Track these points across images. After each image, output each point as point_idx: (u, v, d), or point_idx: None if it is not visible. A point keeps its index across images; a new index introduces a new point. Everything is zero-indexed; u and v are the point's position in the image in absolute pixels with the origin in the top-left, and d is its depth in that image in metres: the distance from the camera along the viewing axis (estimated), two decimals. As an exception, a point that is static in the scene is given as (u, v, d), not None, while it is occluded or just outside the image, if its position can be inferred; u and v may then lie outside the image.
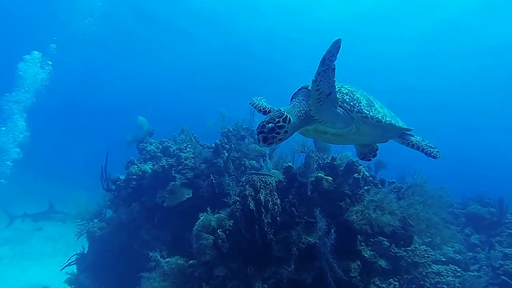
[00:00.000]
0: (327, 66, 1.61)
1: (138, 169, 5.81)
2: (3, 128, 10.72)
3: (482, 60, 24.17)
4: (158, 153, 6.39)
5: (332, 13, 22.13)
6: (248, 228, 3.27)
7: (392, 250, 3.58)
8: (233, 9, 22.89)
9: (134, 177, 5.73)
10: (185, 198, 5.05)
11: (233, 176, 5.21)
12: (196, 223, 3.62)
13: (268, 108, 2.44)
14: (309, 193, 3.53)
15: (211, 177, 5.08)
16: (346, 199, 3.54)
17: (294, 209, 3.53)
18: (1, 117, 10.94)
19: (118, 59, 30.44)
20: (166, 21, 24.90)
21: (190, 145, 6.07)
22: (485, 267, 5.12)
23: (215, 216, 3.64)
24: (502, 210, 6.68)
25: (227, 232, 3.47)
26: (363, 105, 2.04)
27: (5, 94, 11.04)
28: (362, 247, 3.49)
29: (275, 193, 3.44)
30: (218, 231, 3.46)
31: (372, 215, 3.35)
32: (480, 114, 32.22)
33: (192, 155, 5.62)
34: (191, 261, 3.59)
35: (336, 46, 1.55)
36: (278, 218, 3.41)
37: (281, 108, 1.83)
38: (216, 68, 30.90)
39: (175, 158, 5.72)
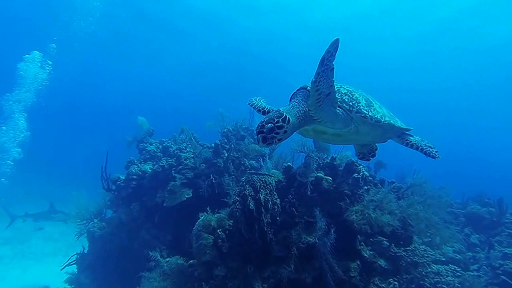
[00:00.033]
0: (326, 66, 1.61)
1: (138, 169, 5.82)
2: (4, 128, 10.74)
3: (480, 59, 24.21)
4: (158, 153, 6.40)
5: (331, 13, 22.13)
6: (248, 228, 3.27)
7: (392, 250, 3.58)
8: (232, 9, 22.91)
9: (134, 177, 5.74)
10: (185, 198, 5.05)
11: (233, 176, 5.22)
12: (196, 223, 3.63)
13: (267, 108, 2.44)
14: (308, 193, 3.54)
15: (211, 177, 5.09)
16: (346, 199, 3.55)
17: (293, 209, 3.54)
18: (1, 117, 10.96)
19: (118, 59, 30.46)
20: (165, 22, 24.93)
21: (190, 145, 6.08)
22: (484, 267, 5.13)
23: (215, 216, 3.65)
24: (501, 210, 6.69)
25: (227, 232, 3.48)
26: (362, 105, 2.04)
27: (5, 93, 11.05)
28: (362, 246, 3.49)
29: (274, 193, 3.45)
30: (218, 231, 3.47)
31: (372, 215, 3.36)
32: (479, 113, 32.26)
33: (192, 155, 5.63)
34: (191, 261, 3.60)
35: (334, 46, 1.55)
36: (278, 218, 3.42)
37: (280, 108, 1.83)
38: (216, 68, 30.94)
39: (175, 158, 5.73)
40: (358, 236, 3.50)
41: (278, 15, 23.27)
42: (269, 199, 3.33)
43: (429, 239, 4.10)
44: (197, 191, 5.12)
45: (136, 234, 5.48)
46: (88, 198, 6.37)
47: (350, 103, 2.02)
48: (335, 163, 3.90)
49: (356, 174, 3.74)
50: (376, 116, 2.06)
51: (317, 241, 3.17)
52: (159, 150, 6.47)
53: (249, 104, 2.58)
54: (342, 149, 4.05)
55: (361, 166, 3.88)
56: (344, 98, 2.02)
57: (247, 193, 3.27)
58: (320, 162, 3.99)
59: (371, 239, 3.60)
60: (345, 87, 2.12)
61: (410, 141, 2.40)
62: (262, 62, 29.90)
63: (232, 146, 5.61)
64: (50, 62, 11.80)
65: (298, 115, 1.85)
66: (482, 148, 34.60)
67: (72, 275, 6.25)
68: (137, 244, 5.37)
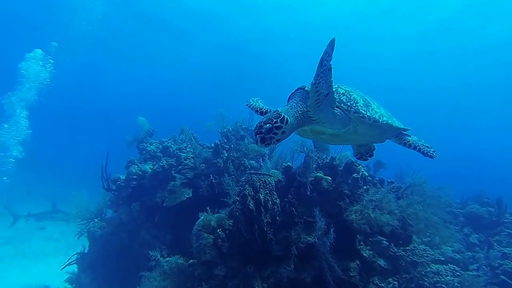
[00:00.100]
0: (324, 67, 1.62)
1: (138, 169, 5.84)
2: (6, 126, 10.76)
3: (480, 59, 24.22)
4: (158, 153, 6.41)
5: (330, 12, 22.11)
6: (247, 227, 3.28)
7: (391, 250, 3.60)
8: (231, 9, 22.90)
9: (135, 177, 5.75)
10: (185, 198, 5.07)
11: (233, 176, 5.23)
12: (196, 223, 3.64)
13: (265, 109, 2.45)
14: (308, 193, 3.55)
15: (211, 177, 5.10)
16: (345, 198, 3.55)
17: (293, 208, 3.55)
18: (3, 116, 10.99)
19: (118, 59, 30.48)
20: (165, 22, 24.95)
21: (190, 145, 6.09)
22: (484, 266, 5.13)
23: (215, 215, 3.66)
24: (501, 209, 6.69)
25: (227, 231, 3.49)
26: (360, 105, 2.05)
27: (7, 92, 11.09)
28: (361, 246, 3.50)
29: (274, 193, 3.46)
30: (218, 230, 3.48)
31: (371, 214, 3.36)
32: (478, 113, 32.25)
33: (192, 155, 5.64)
34: (191, 261, 3.61)
35: (331, 46, 1.56)
36: (277, 218, 3.43)
37: (278, 109, 1.84)
38: (215, 68, 30.96)
39: (175, 158, 5.74)
40: (358, 236, 3.50)
41: (277, 15, 23.26)
42: (269, 199, 3.34)
43: (429, 238, 4.11)
44: (197, 191, 5.13)
45: (136, 233, 5.50)
46: (88, 198, 6.39)
47: (348, 103, 2.03)
48: (334, 163, 3.90)
49: (356, 174, 3.74)
50: (374, 116, 2.07)
51: (316, 240, 3.18)
52: (159, 150, 6.48)
53: (247, 105, 2.59)
54: (341, 149, 4.06)
55: (360, 166, 3.89)
56: (342, 98, 2.03)
57: (247, 193, 3.28)
58: (319, 162, 4.00)
59: (370, 239, 3.61)
60: (343, 87, 2.13)
61: (408, 141, 2.42)
62: (262, 62, 29.91)
63: (232, 146, 5.62)
64: (51, 61, 11.83)
65: (296, 115, 1.86)
66: (481, 148, 34.60)
67: (73, 275, 6.27)
68: (137, 244, 5.39)
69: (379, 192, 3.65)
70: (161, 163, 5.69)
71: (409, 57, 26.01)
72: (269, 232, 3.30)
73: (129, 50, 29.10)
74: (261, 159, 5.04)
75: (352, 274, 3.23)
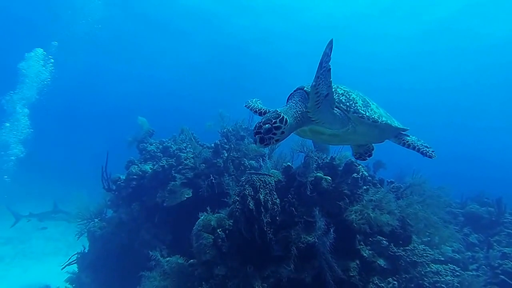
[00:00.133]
0: (324, 68, 1.63)
1: (139, 169, 5.84)
2: (7, 124, 10.78)
3: (479, 59, 24.22)
4: (158, 153, 6.42)
5: (329, 12, 22.11)
6: (247, 227, 3.29)
7: (391, 250, 3.60)
8: (231, 9, 22.91)
9: (135, 177, 5.76)
10: (185, 198, 5.07)
11: (233, 176, 5.23)
12: (196, 223, 3.65)
13: (263, 110, 2.45)
14: (308, 192, 3.55)
15: (211, 177, 5.11)
16: (345, 198, 3.55)
17: (293, 208, 3.56)
18: (4, 114, 11.02)
19: (118, 59, 30.50)
20: (165, 22, 24.97)
21: (190, 145, 6.10)
22: (483, 266, 5.13)
23: (215, 215, 3.66)
24: (500, 209, 6.70)
25: (227, 231, 3.50)
26: (359, 106, 2.06)
27: (8, 91, 11.11)
28: (361, 246, 3.51)
29: (274, 193, 3.47)
30: (218, 230, 3.49)
31: (371, 214, 3.37)
32: (478, 113, 32.24)
33: (192, 155, 5.64)
34: (191, 260, 3.62)
35: (329, 47, 1.57)
36: (277, 218, 3.43)
37: (277, 109, 1.84)
38: (215, 68, 30.98)
39: (175, 158, 5.74)
40: (358, 236, 3.51)
41: (277, 15, 23.28)
42: (269, 199, 3.35)
43: (428, 238, 4.11)
44: (197, 191, 5.14)
45: (136, 233, 5.51)
46: (88, 198, 6.40)
47: (347, 104, 2.03)
48: (334, 163, 3.91)
49: (356, 174, 3.75)
50: (373, 116, 2.08)
51: (316, 240, 3.18)
52: (159, 150, 6.49)
53: (246, 106, 2.60)
54: (341, 149, 4.06)
55: (360, 166, 3.89)
56: (341, 98, 2.04)
57: (247, 193, 3.29)
58: (319, 162, 4.00)
59: (370, 239, 3.61)
60: (342, 87, 2.14)
61: (407, 141, 2.43)
62: (261, 62, 29.93)
63: (232, 146, 5.62)
64: (52, 60, 11.85)
65: (295, 115, 1.86)
66: (481, 148, 34.59)
67: (73, 275, 6.29)
68: (137, 244, 5.39)
69: (379, 192, 3.65)
70: (161, 163, 5.70)
71: (409, 57, 26.00)
72: (269, 232, 3.30)
73: (129, 50, 29.13)
74: (261, 159, 5.04)
75: (352, 274, 3.23)
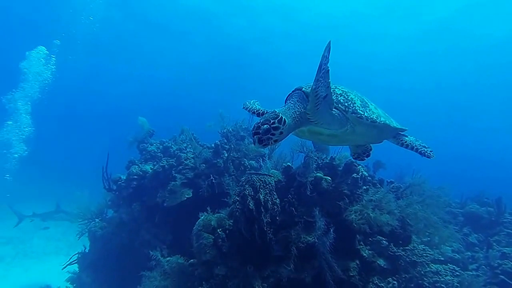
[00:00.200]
0: (323, 71, 1.64)
1: (139, 169, 5.86)
2: (9, 123, 10.80)
3: (479, 59, 24.18)
4: (159, 154, 6.43)
5: (328, 12, 22.03)
6: (247, 227, 3.30)
7: (391, 250, 3.61)
8: (230, 9, 22.88)
9: (135, 177, 5.77)
10: (185, 198, 5.09)
11: (233, 176, 5.25)
12: (196, 223, 3.66)
13: (261, 111, 2.46)
14: (308, 192, 3.56)
15: (211, 177, 5.12)
16: (345, 198, 3.56)
17: (293, 208, 3.57)
18: (6, 113, 11.04)
19: (119, 60, 30.51)
20: (165, 23, 24.95)
21: (190, 146, 6.11)
22: (483, 266, 5.14)
23: (215, 215, 3.67)
24: (500, 209, 6.70)
25: (227, 231, 3.51)
26: (357, 106, 2.06)
27: (10, 90, 11.13)
28: (361, 246, 3.52)
29: (274, 193, 3.48)
30: (218, 230, 3.50)
31: (371, 214, 3.38)
32: (478, 113, 32.21)
33: (192, 155, 5.66)
34: (192, 260, 3.63)
35: (328, 50, 1.58)
36: (277, 218, 3.45)
37: (276, 110, 1.84)
38: (215, 68, 30.98)
39: (175, 158, 5.76)
40: (357, 236, 3.52)
41: (276, 15, 23.23)
42: (269, 199, 3.36)
43: (428, 238, 4.12)
44: (197, 191, 5.16)
45: (136, 233, 5.52)
46: (89, 198, 6.42)
47: (346, 104, 2.04)
48: (334, 163, 3.92)
49: (355, 174, 3.76)
50: (371, 117, 2.09)
51: (316, 240, 3.19)
52: (159, 151, 6.50)
53: (244, 108, 2.60)
54: (341, 149, 4.07)
55: (360, 166, 3.90)
56: (339, 99, 2.04)
57: (247, 193, 3.30)
58: (319, 162, 4.01)
59: (370, 239, 3.62)
60: (340, 87, 2.14)
61: (405, 141, 2.44)
62: (261, 62, 29.92)
63: (232, 146, 5.64)
64: (54, 59, 11.87)
65: (294, 116, 1.86)
66: (480, 148, 34.62)
67: (74, 274, 6.30)
68: (137, 244, 5.41)
69: (379, 192, 3.66)
70: (162, 163, 5.71)
71: (409, 57, 25.97)
72: (269, 232, 3.32)
73: (129, 51, 29.13)
74: (261, 159, 5.06)
75: (351, 274, 3.24)
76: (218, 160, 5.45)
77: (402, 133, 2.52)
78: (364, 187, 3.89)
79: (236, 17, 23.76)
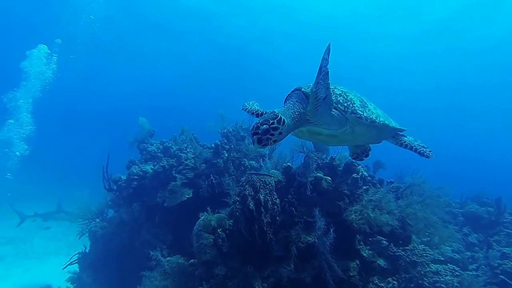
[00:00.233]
0: (323, 73, 1.64)
1: (139, 169, 5.86)
2: (11, 121, 10.80)
3: (479, 59, 24.15)
4: (159, 154, 6.43)
5: (328, 12, 22.02)
6: (247, 227, 3.31)
7: (391, 250, 3.61)
8: (230, 9, 22.89)
9: (135, 177, 5.78)
10: (186, 198, 5.10)
11: (233, 176, 5.25)
12: (197, 223, 3.67)
13: (260, 111, 2.46)
14: (308, 193, 3.56)
15: (211, 177, 5.13)
16: (345, 198, 3.57)
17: (293, 208, 3.57)
18: (7, 112, 11.04)
19: (119, 60, 30.54)
20: (165, 23, 24.98)
21: (190, 146, 6.12)
22: (483, 266, 5.14)
23: (215, 215, 3.68)
24: (500, 209, 6.70)
25: (227, 231, 3.51)
26: (357, 106, 2.07)
27: (10, 89, 11.14)
28: (361, 246, 3.52)
29: (274, 193, 3.48)
30: (218, 230, 3.50)
31: (371, 214, 3.39)
32: (477, 114, 32.22)
33: (192, 156, 5.67)
34: (192, 260, 3.64)
35: (328, 52, 1.58)
36: (277, 218, 3.45)
37: (275, 110, 1.84)
38: (215, 68, 31.02)
39: (175, 159, 5.77)
40: (357, 236, 3.52)
41: (276, 15, 23.24)
42: (269, 199, 3.37)
43: (428, 238, 4.12)
44: (198, 191, 5.16)
45: (137, 233, 5.53)
46: (90, 198, 6.43)
47: (345, 104, 2.04)
48: (334, 163, 3.92)
49: (355, 174, 3.76)
50: (371, 117, 2.09)
51: (316, 240, 3.20)
52: (159, 151, 6.50)
53: (243, 109, 2.60)
54: (341, 149, 4.08)
55: (360, 166, 3.90)
56: (339, 99, 2.05)
57: (247, 193, 3.30)
58: (319, 162, 4.01)
59: (370, 239, 3.63)
60: (339, 88, 2.14)
61: (404, 142, 2.44)
62: (261, 62, 29.93)
63: (232, 146, 5.64)
64: (55, 58, 11.87)
65: (293, 116, 1.86)
66: (480, 149, 34.64)
67: (74, 274, 6.31)
68: (138, 244, 5.42)
69: (379, 192, 3.67)
70: (162, 163, 5.72)
71: (409, 57, 25.98)
72: (269, 232, 3.32)
73: (129, 51, 29.16)
74: (261, 159, 5.07)
75: (351, 274, 3.25)
76: (218, 160, 5.45)
77: (401, 133, 2.53)
78: (364, 187, 3.89)
79: (236, 17, 23.75)
